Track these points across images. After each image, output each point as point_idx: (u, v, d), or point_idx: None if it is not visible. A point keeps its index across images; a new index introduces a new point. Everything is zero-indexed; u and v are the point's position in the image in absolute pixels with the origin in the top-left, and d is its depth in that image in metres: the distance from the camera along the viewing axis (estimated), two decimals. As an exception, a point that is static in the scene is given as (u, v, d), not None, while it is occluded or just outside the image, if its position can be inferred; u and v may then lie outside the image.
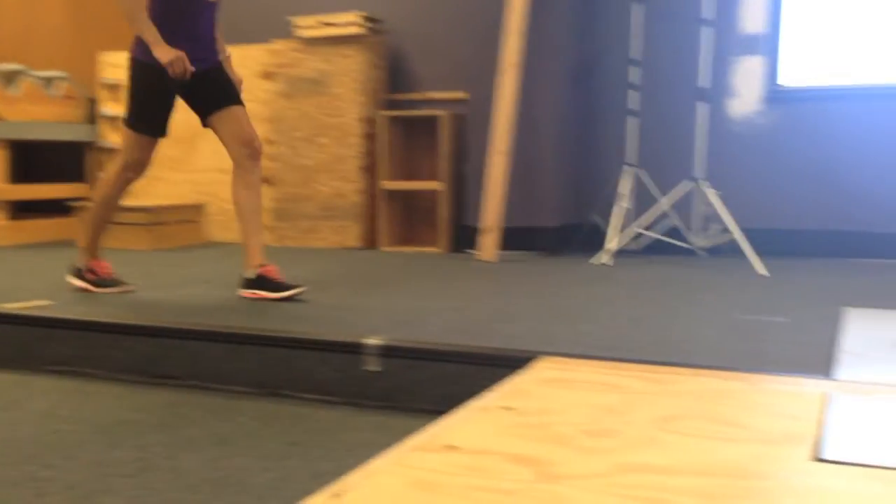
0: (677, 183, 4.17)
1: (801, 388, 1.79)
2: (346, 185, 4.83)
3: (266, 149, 3.54)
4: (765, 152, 4.50)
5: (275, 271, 2.95)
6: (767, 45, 4.48)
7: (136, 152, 2.98)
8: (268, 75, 4.97)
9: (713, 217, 4.18)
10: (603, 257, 4.13)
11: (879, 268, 4.01)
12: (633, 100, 4.46)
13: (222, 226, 5.10)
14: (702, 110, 4.25)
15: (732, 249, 4.01)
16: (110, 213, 3.15)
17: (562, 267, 4.05)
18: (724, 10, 4.43)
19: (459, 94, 4.76)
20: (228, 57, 3.12)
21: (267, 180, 4.18)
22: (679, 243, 4.39)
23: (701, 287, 3.36)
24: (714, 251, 4.36)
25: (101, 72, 5.40)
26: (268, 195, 4.63)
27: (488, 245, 4.28)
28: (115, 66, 5.32)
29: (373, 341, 2.24)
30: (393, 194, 4.84)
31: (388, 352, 2.23)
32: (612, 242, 4.18)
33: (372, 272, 3.86)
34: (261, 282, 2.93)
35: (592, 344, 2.27)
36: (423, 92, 4.86)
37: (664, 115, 4.59)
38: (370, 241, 4.85)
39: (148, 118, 2.97)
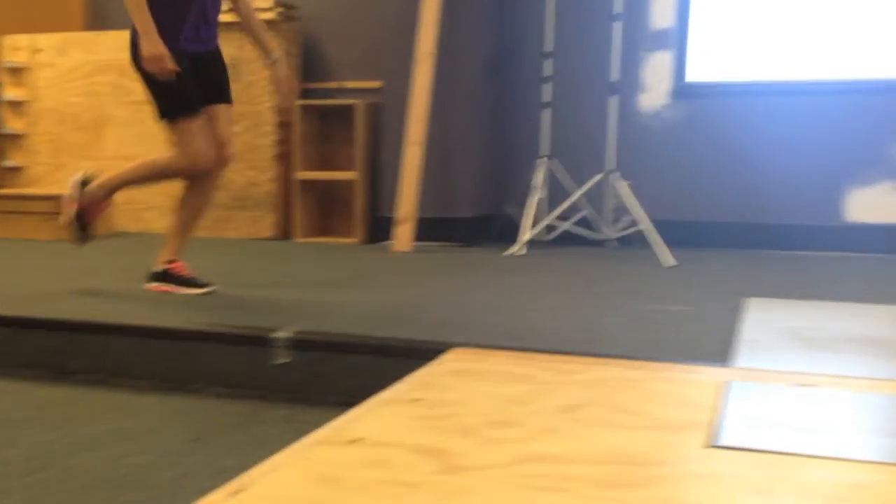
0: (590, 175, 4.25)
1: (700, 376, 1.85)
2: (259, 174, 4.75)
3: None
4: (673, 145, 4.62)
5: (183, 268, 2.89)
6: (676, 41, 4.59)
7: (193, 141, 2.74)
8: (178, 61, 4.85)
9: (624, 209, 4.27)
10: (516, 248, 4.18)
11: (782, 258, 4.16)
12: (547, 93, 4.51)
13: (131, 216, 4.97)
14: (613, 104, 4.33)
15: (643, 240, 4.11)
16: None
17: (476, 258, 4.07)
18: (634, 6, 4.52)
19: (375, 84, 4.73)
20: (279, 59, 2.94)
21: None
22: (591, 234, 4.47)
23: (610, 277, 3.43)
24: (625, 242, 4.46)
25: (2, 56, 5.18)
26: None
27: (403, 236, 4.28)
28: (17, 49, 5.12)
29: (282, 334, 2.21)
30: (308, 184, 4.79)
31: (297, 344, 2.21)
32: (526, 234, 4.23)
33: (285, 263, 3.81)
34: (166, 276, 2.87)
35: (504, 334, 2.29)
36: (338, 80, 4.82)
37: (577, 107, 4.66)
38: (284, 232, 4.79)
39: (184, 101, 2.75)
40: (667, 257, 3.86)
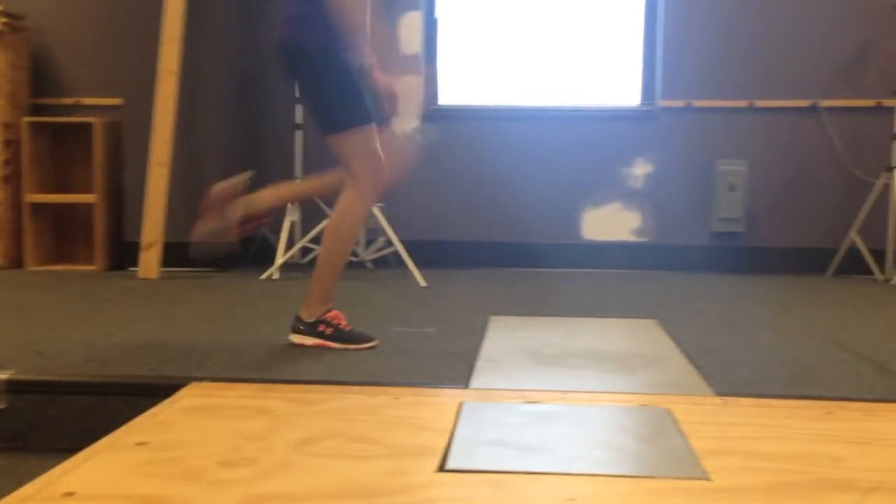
0: (343, 197, 4.25)
1: (440, 399, 1.89)
2: (-17, 197, 4.33)
3: None
4: (426, 168, 4.73)
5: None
6: (424, 66, 4.72)
7: (373, 150, 2.45)
8: None
9: (378, 230, 4.31)
10: (270, 272, 4.09)
11: (527, 275, 4.38)
12: (299, 113, 4.47)
13: None
14: (365, 126, 4.36)
15: (398, 261, 4.17)
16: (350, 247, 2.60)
17: (229, 283, 3.94)
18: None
19: (115, 101, 4.47)
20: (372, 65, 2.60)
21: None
22: (347, 256, 4.47)
23: (363, 300, 3.44)
24: (380, 263, 4.50)
25: None
26: None
27: (149, 262, 4.06)
28: None
29: (-3, 377, 2.01)
30: (41, 208, 4.42)
31: (14, 387, 2.01)
32: (280, 257, 4.16)
33: (12, 295, 3.49)
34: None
35: (247, 365, 2.22)
36: (73, 97, 4.50)
37: (330, 129, 4.66)
38: (15, 260, 4.39)
39: (364, 105, 2.46)
40: (420, 278, 3.94)
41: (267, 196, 2.68)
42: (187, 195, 4.33)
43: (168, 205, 4.13)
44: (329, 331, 2.48)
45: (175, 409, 1.76)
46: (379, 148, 2.46)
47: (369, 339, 2.51)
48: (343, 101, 2.43)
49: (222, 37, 4.45)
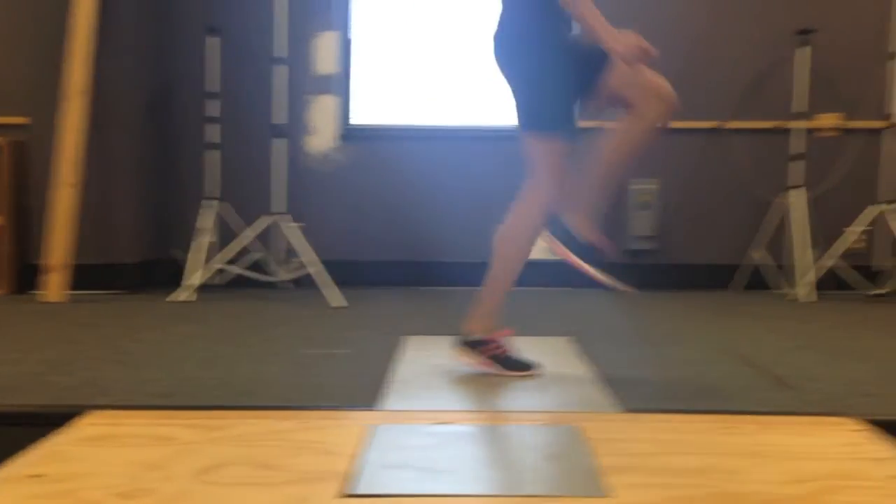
0: (260, 217, 4.21)
1: (348, 422, 1.87)
2: None
3: None
4: (342, 187, 4.72)
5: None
6: (340, 86, 4.72)
7: (559, 169, 2.33)
8: None
9: (295, 250, 4.27)
10: (183, 294, 4.01)
11: (446, 295, 4.40)
12: (212, 133, 4.41)
13: None
14: (279, 146, 4.34)
15: (316, 281, 4.13)
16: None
17: (139, 306, 3.85)
18: (297, 50, 4.57)
19: (21, 119, 4.33)
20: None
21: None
22: (262, 277, 4.42)
23: (277, 322, 3.40)
24: (298, 283, 4.46)
25: None
26: None
27: (55, 285, 3.93)
28: None
29: None
30: (-60, 230, 4.24)
31: None
32: (193, 278, 4.08)
33: None
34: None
35: (152, 391, 2.17)
36: (-24, 115, 4.35)
37: (244, 149, 4.61)
38: (-89, 285, 4.20)
39: (569, 111, 2.30)
40: (337, 298, 3.91)
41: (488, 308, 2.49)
42: (96, 216, 4.22)
43: (78, 226, 4.01)
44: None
45: (73, 439, 1.70)
46: (561, 170, 2.35)
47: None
48: (551, 100, 2.30)
49: (133, 53, 4.36)
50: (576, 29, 2.34)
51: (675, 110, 2.29)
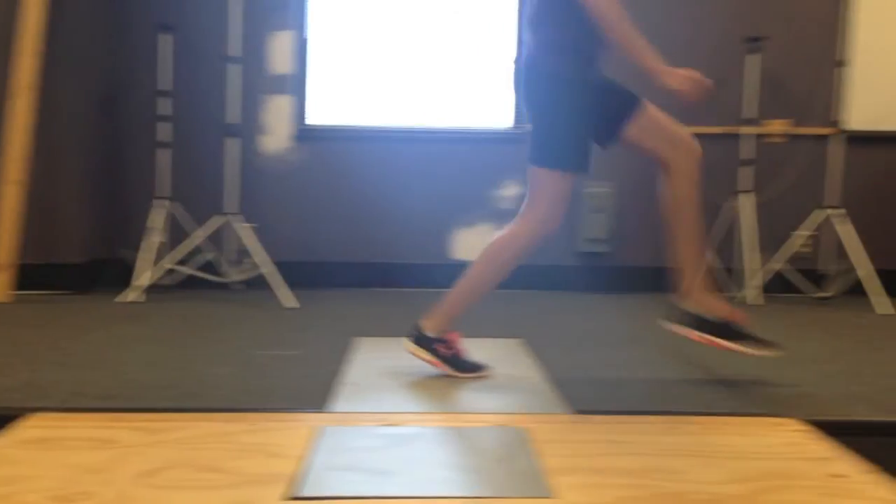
0: (212, 217, 4.16)
1: (296, 424, 1.86)
2: None
3: None
4: (296, 187, 4.68)
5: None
6: (295, 85, 4.68)
7: (563, 198, 2.36)
8: None
9: (247, 251, 4.23)
10: (131, 295, 3.95)
11: (398, 296, 4.39)
12: (164, 132, 4.35)
13: None
14: (232, 146, 4.29)
15: (268, 282, 4.09)
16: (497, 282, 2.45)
17: (85, 306, 3.78)
18: (251, 50, 4.53)
19: (-35, 116, 4.22)
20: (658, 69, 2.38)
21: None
22: (213, 278, 4.37)
23: (228, 323, 3.36)
24: (251, 284, 4.41)
25: None
26: None
27: (1, 285, 3.84)
28: None
29: None
30: None
31: None
32: (142, 279, 4.01)
33: None
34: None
35: (94, 394, 2.13)
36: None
37: (196, 148, 4.55)
38: None
39: (583, 151, 2.34)
40: (289, 299, 3.88)
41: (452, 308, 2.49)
42: (43, 215, 4.14)
43: (24, 225, 3.93)
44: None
45: (10, 442, 1.67)
46: (564, 203, 2.39)
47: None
48: (566, 140, 2.35)
49: (82, 50, 4.28)
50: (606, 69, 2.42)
51: (700, 160, 2.39)
